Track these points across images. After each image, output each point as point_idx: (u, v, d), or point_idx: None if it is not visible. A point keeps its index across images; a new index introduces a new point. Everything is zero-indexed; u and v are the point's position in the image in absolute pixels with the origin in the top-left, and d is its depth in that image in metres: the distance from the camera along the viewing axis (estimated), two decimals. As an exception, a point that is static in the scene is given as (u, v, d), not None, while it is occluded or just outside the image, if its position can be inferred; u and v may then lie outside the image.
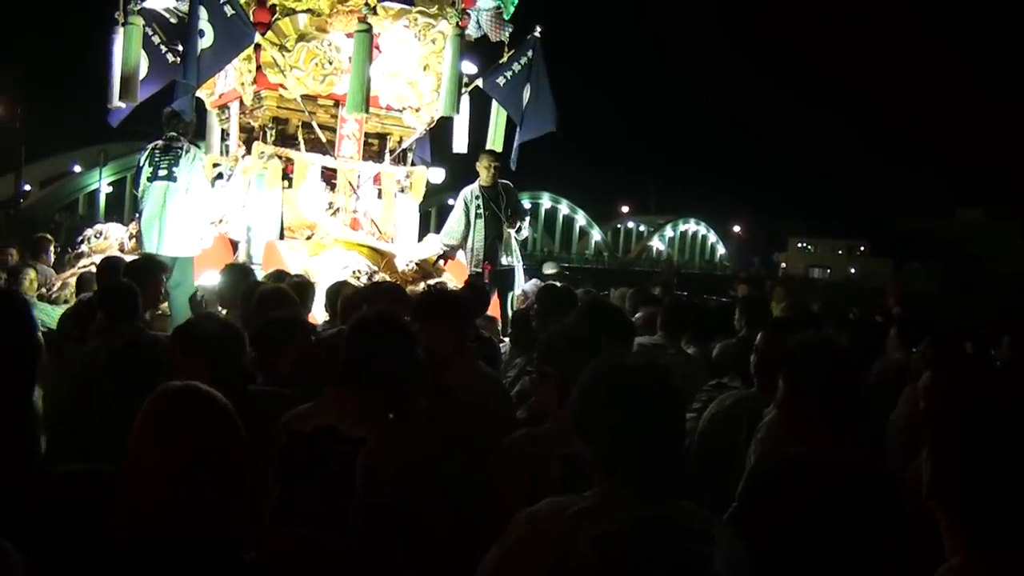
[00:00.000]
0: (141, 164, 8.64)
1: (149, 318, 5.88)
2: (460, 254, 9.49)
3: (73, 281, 8.52)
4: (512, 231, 9.35)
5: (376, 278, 8.17)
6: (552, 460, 2.77)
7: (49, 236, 10.56)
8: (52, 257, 9.97)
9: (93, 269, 8.35)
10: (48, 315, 7.66)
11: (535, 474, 2.80)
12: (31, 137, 36.81)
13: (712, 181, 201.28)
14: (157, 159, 8.40)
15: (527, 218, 9.90)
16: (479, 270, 9.02)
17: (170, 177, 8.25)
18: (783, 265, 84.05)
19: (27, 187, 49.97)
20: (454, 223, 9.35)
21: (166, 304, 7.86)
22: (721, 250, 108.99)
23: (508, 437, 3.07)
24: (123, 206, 49.08)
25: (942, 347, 5.03)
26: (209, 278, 7.55)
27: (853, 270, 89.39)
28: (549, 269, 14.99)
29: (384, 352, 3.01)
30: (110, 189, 53.76)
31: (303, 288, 5.78)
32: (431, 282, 8.22)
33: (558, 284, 6.79)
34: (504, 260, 9.29)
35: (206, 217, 8.66)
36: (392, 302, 5.06)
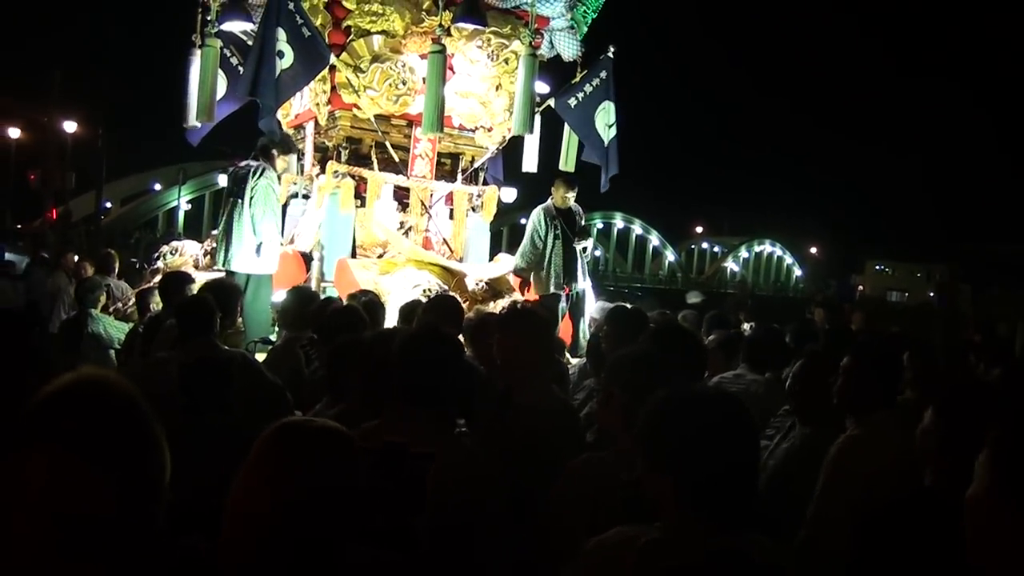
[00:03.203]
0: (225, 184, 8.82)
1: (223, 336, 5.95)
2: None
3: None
4: (578, 249, 9.28)
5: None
6: (616, 485, 2.71)
7: (113, 252, 10.82)
8: (116, 273, 10.23)
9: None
10: (122, 332, 7.81)
11: (598, 499, 2.74)
12: (112, 156, 37.73)
13: (789, 203, 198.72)
14: (235, 178, 8.55)
15: (591, 239, 9.84)
16: (558, 292, 8.98)
17: (243, 196, 8.37)
18: (860, 288, 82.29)
19: (108, 205, 51.29)
20: (529, 245, 9.23)
21: (240, 320, 7.97)
22: (797, 272, 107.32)
23: (572, 460, 3.02)
24: (201, 223, 50.30)
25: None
26: (283, 296, 7.63)
27: (932, 294, 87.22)
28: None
29: (433, 372, 3.00)
30: (188, 207, 55.04)
31: (374, 307, 5.79)
32: (517, 299, 8.22)
33: (628, 306, 6.71)
34: (580, 282, 9.25)
35: (277, 236, 8.75)
36: (445, 315, 5.07)
